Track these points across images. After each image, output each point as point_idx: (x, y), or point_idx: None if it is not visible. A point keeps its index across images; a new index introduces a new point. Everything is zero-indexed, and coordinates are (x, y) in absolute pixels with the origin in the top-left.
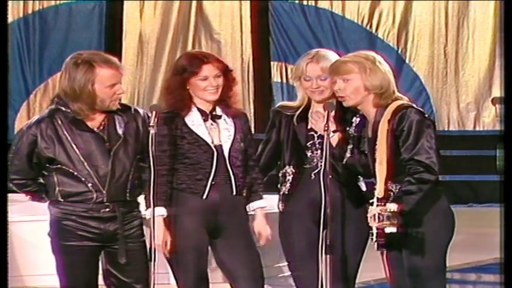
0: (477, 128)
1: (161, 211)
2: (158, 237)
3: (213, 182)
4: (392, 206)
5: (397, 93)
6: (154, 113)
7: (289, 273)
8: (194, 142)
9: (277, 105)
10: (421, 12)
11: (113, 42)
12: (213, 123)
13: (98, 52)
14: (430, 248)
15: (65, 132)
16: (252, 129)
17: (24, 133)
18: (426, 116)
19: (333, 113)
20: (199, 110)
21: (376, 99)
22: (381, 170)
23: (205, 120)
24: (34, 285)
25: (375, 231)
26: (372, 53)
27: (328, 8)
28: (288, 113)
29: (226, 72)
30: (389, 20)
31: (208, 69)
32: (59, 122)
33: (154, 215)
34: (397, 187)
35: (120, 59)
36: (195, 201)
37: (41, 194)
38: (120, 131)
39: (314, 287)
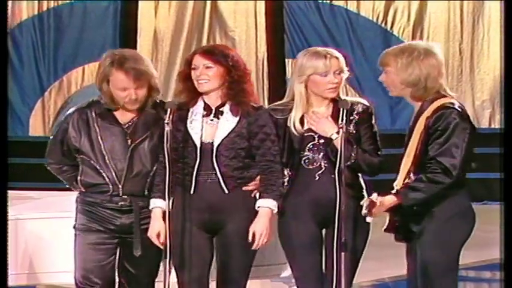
0: (492, 126)
1: (160, 203)
2: (152, 228)
3: (201, 179)
4: (374, 196)
5: (443, 89)
6: (169, 110)
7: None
8: (184, 136)
9: (270, 106)
10: (436, 10)
11: (127, 40)
12: (214, 119)
13: (133, 53)
14: (444, 246)
15: (95, 124)
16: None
17: (62, 120)
18: (466, 118)
19: (330, 113)
20: (205, 104)
21: (412, 93)
22: (406, 162)
23: (205, 116)
24: (49, 282)
25: (387, 220)
26: (418, 45)
27: (343, 6)
28: (283, 116)
29: (223, 65)
30: (405, 17)
31: (197, 59)
32: (93, 114)
33: (168, 211)
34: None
35: None
36: (185, 196)
37: (73, 181)
38: (147, 128)
39: (317, 284)
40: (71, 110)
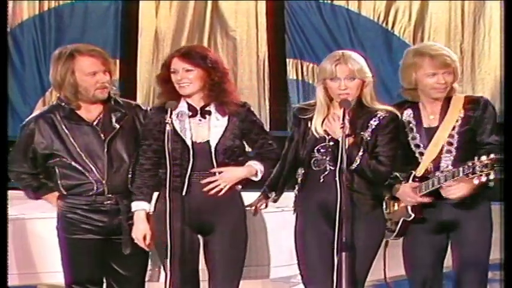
0: None
1: (143, 205)
2: (138, 231)
3: (193, 180)
4: (484, 157)
5: None
6: (169, 110)
7: (289, 274)
8: (173, 138)
9: (298, 104)
10: (437, 10)
11: (128, 40)
12: (202, 119)
13: (85, 44)
14: (486, 241)
15: (63, 127)
16: (268, 126)
17: (23, 128)
18: None
19: (349, 117)
20: (189, 105)
21: (450, 91)
22: (433, 151)
23: (192, 116)
24: (50, 282)
25: (410, 208)
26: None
27: (344, 6)
28: (306, 116)
29: (202, 68)
30: (406, 17)
31: (175, 63)
32: (58, 117)
33: (170, 210)
34: (440, 171)
35: (135, 56)
36: (176, 198)
37: (30, 189)
38: (115, 123)
39: (325, 286)
40: (32, 118)
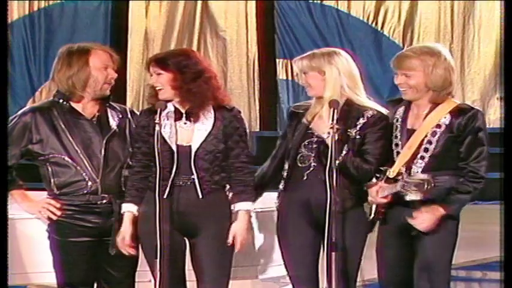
0: None
1: (129, 207)
2: (121, 232)
3: (178, 183)
4: (422, 176)
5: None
6: (159, 110)
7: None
8: (158, 141)
9: (297, 103)
10: (426, 10)
11: (118, 40)
12: (187, 122)
13: (94, 43)
14: (447, 243)
15: (61, 123)
16: (258, 126)
17: (18, 117)
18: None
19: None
20: (175, 107)
21: (434, 95)
22: (406, 153)
23: (177, 119)
24: (39, 282)
25: (373, 209)
26: (438, 47)
27: (333, 6)
28: (300, 111)
29: (171, 71)
30: (395, 17)
31: (151, 67)
32: (55, 112)
33: (160, 212)
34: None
35: (125, 56)
36: (160, 201)
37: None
38: (113, 123)
39: (310, 284)
40: (27, 109)
